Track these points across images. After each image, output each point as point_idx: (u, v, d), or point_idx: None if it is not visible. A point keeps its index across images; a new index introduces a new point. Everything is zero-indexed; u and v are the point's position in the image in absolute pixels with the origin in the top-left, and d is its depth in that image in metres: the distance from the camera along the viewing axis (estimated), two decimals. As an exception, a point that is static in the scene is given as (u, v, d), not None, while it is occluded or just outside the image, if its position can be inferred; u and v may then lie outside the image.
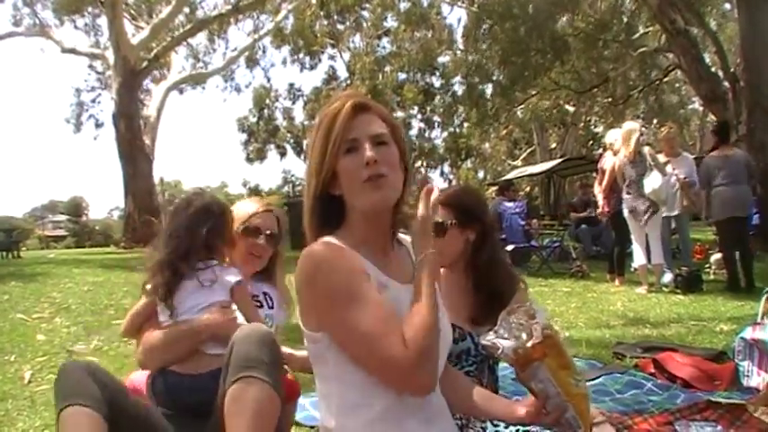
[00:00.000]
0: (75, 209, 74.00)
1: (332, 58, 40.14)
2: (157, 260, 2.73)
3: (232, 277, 2.75)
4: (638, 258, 9.08)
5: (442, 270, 2.85)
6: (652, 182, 8.77)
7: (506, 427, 2.43)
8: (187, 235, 2.74)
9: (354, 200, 1.86)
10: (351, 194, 1.86)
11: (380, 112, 1.93)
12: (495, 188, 18.29)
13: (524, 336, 1.87)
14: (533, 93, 28.35)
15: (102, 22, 26.64)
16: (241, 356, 2.25)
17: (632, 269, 9.62)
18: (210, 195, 2.93)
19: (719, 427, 3.39)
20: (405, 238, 2.08)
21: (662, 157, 9.40)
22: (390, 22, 37.21)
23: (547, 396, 1.90)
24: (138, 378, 2.83)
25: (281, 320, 3.10)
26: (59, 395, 2.17)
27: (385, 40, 38.35)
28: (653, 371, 4.65)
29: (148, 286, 2.74)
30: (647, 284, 8.93)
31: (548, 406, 1.91)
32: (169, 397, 2.58)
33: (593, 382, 4.34)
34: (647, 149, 8.94)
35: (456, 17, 78.54)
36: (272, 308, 3.06)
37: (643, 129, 9.53)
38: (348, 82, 38.26)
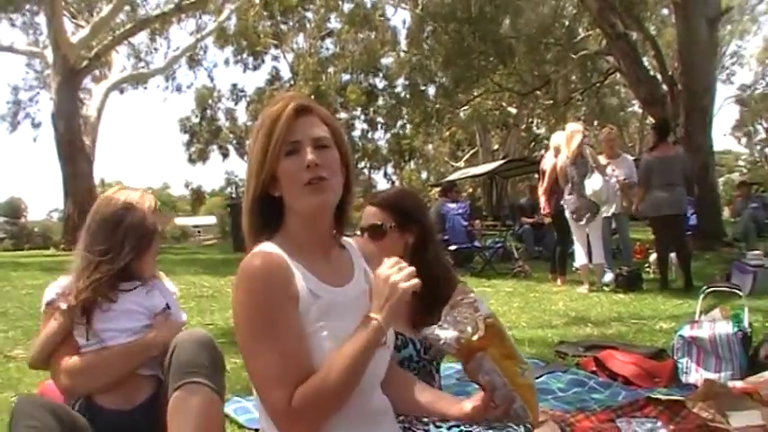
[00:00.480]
0: (13, 210, 71.98)
1: (275, 58, 40.12)
2: (78, 277, 2.54)
3: (159, 301, 2.66)
4: (580, 258, 9.16)
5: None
6: (593, 183, 8.82)
7: (449, 429, 2.40)
8: (113, 253, 2.56)
9: (294, 202, 1.84)
10: (291, 197, 1.84)
11: (322, 114, 1.91)
12: (438, 189, 18.38)
13: (469, 329, 1.84)
14: (476, 94, 28.53)
15: (41, 20, 26.13)
16: (182, 362, 2.23)
17: (574, 269, 9.70)
18: (141, 212, 2.69)
19: (659, 423, 3.42)
20: (348, 240, 2.09)
21: (602, 159, 9.50)
22: (334, 23, 37.27)
23: (494, 387, 1.87)
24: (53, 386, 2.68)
25: (182, 319, 2.86)
26: None
27: (328, 41, 38.46)
28: (594, 369, 4.66)
29: (62, 305, 2.53)
30: (589, 284, 9.02)
31: (495, 398, 1.88)
32: None
33: (536, 381, 4.33)
34: (588, 150, 9.02)
35: (400, 19, 78.96)
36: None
37: (586, 130, 9.62)
38: (291, 83, 38.23)
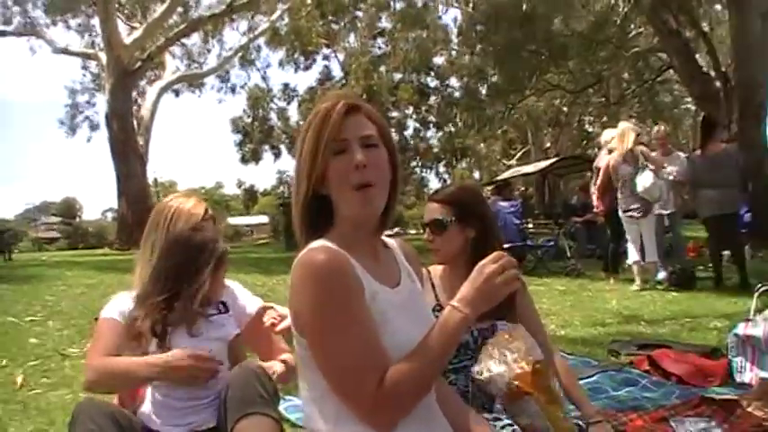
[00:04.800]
0: (69, 210, 73.72)
1: (326, 58, 40.06)
2: (148, 302, 2.49)
3: (232, 329, 2.64)
4: (632, 256, 9.15)
5: (441, 267, 2.94)
6: (644, 180, 8.82)
7: None
8: (185, 277, 2.52)
9: (343, 205, 1.86)
10: (339, 198, 1.85)
11: (370, 113, 1.93)
12: (490, 188, 18.35)
13: (516, 369, 1.88)
14: (528, 93, 28.36)
15: (96, 22, 26.51)
16: (239, 396, 2.26)
17: (626, 266, 9.67)
18: (212, 232, 2.72)
19: (714, 423, 3.41)
20: (390, 241, 2.11)
21: (656, 157, 9.47)
22: (385, 23, 37.20)
23: (534, 431, 1.91)
24: None
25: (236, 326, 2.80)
26: None
27: (380, 41, 38.34)
28: (647, 368, 4.68)
29: (137, 324, 2.48)
30: (642, 281, 8.99)
31: None
32: None
33: (588, 380, 4.38)
34: (640, 148, 8.99)
35: (451, 17, 78.40)
36: (228, 311, 2.80)
37: (638, 128, 9.57)
38: (343, 82, 38.20)
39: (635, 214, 8.92)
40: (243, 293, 2.94)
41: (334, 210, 1.89)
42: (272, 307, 2.77)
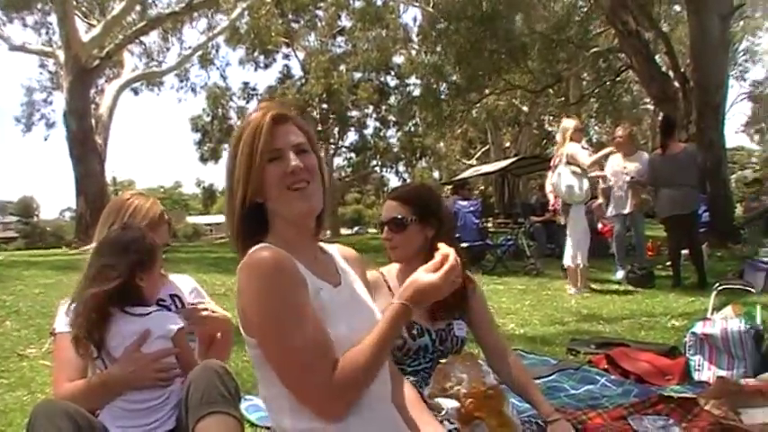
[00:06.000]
0: (26, 209, 72.67)
1: (286, 57, 40.09)
2: (84, 300, 2.45)
3: (173, 325, 2.58)
4: (566, 259, 9.00)
5: (397, 267, 2.96)
6: (564, 181, 8.75)
7: None
8: (119, 272, 2.48)
9: (282, 208, 1.94)
10: (278, 202, 1.94)
11: (298, 121, 2.02)
12: (450, 187, 18.37)
13: (463, 393, 1.99)
14: (488, 92, 28.46)
15: (53, 19, 26.11)
16: (200, 396, 2.26)
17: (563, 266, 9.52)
18: (141, 230, 2.69)
19: (671, 421, 3.43)
20: (328, 247, 2.19)
21: (619, 156, 9.52)
22: (345, 21, 37.25)
23: None
24: None
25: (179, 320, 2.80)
26: None
27: (340, 39, 38.41)
28: (606, 367, 4.70)
29: (68, 331, 2.49)
30: (573, 286, 8.80)
31: None
32: None
33: (547, 379, 4.42)
34: (568, 148, 8.86)
35: (411, 16, 78.70)
36: (182, 305, 2.93)
37: (581, 125, 9.46)
38: (303, 81, 38.18)
39: (561, 216, 8.91)
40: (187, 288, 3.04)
41: (269, 217, 1.99)
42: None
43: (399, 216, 2.83)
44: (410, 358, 2.72)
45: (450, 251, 1.90)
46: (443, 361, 2.14)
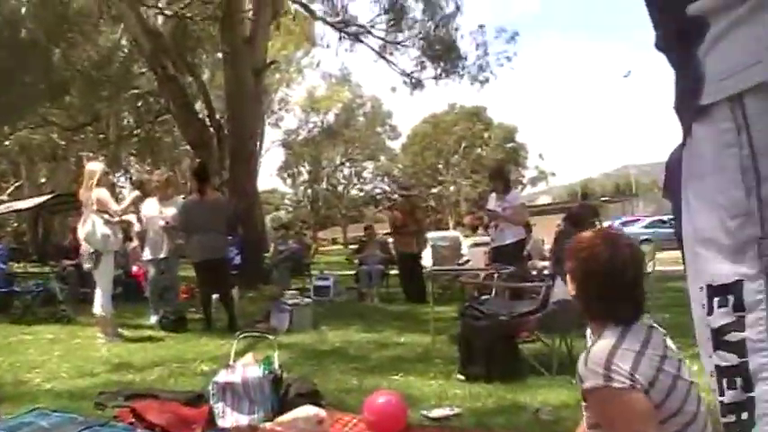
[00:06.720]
0: None
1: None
2: None
3: None
4: (95, 307, 8.66)
5: None
6: (87, 227, 8.43)
7: None
8: None
9: None
10: None
11: None
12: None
13: None
14: (22, 126, 26.87)
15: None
16: None
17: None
18: None
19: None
20: None
21: (155, 201, 9.63)
22: None
23: None
24: None
25: None
26: None
27: None
28: (132, 420, 4.63)
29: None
30: (103, 334, 8.49)
31: None
32: None
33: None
34: (96, 193, 8.42)
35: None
36: None
37: (104, 167, 9.22)
38: None
39: (87, 263, 8.62)
40: None
41: None
42: None
43: None
44: None
45: None
46: None
